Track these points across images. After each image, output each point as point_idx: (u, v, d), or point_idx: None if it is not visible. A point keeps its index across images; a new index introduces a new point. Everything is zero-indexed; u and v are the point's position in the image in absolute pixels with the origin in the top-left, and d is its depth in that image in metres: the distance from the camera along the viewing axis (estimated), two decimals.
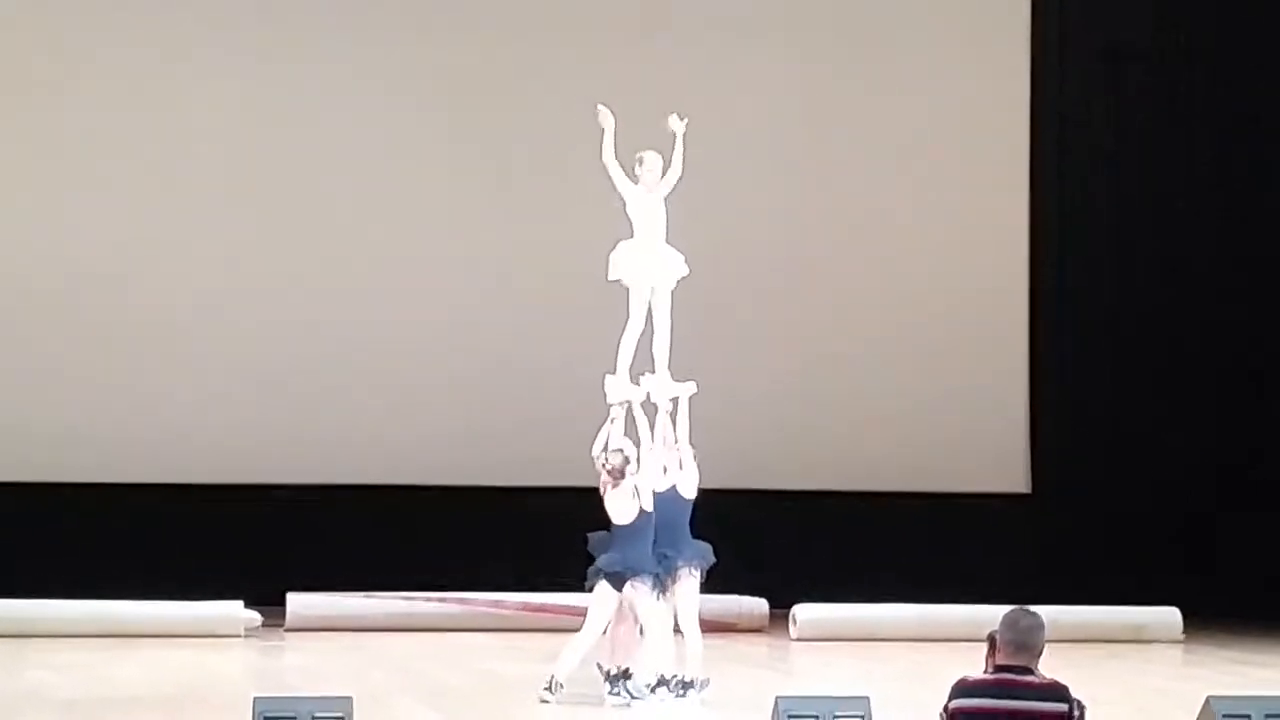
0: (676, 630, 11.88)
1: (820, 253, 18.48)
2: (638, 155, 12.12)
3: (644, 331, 12.14)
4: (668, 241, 12.17)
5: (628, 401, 11.92)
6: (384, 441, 17.76)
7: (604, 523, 11.86)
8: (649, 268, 12.09)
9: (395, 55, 18.06)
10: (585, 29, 18.27)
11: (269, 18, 17.94)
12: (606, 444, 11.80)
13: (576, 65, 18.02)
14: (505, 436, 17.81)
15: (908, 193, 18.65)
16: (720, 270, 17.69)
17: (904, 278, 18.59)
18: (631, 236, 12.16)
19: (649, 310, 12.11)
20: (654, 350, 12.15)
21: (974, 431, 18.60)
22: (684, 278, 12.22)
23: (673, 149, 12.17)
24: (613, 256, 12.14)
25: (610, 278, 12.18)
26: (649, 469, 11.76)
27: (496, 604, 16.45)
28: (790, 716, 8.18)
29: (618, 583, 11.57)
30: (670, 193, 12.14)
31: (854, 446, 18.35)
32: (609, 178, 12.07)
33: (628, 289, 12.14)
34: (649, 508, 11.64)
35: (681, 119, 12.23)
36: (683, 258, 12.19)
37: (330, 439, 17.76)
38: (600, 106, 12.17)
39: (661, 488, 11.80)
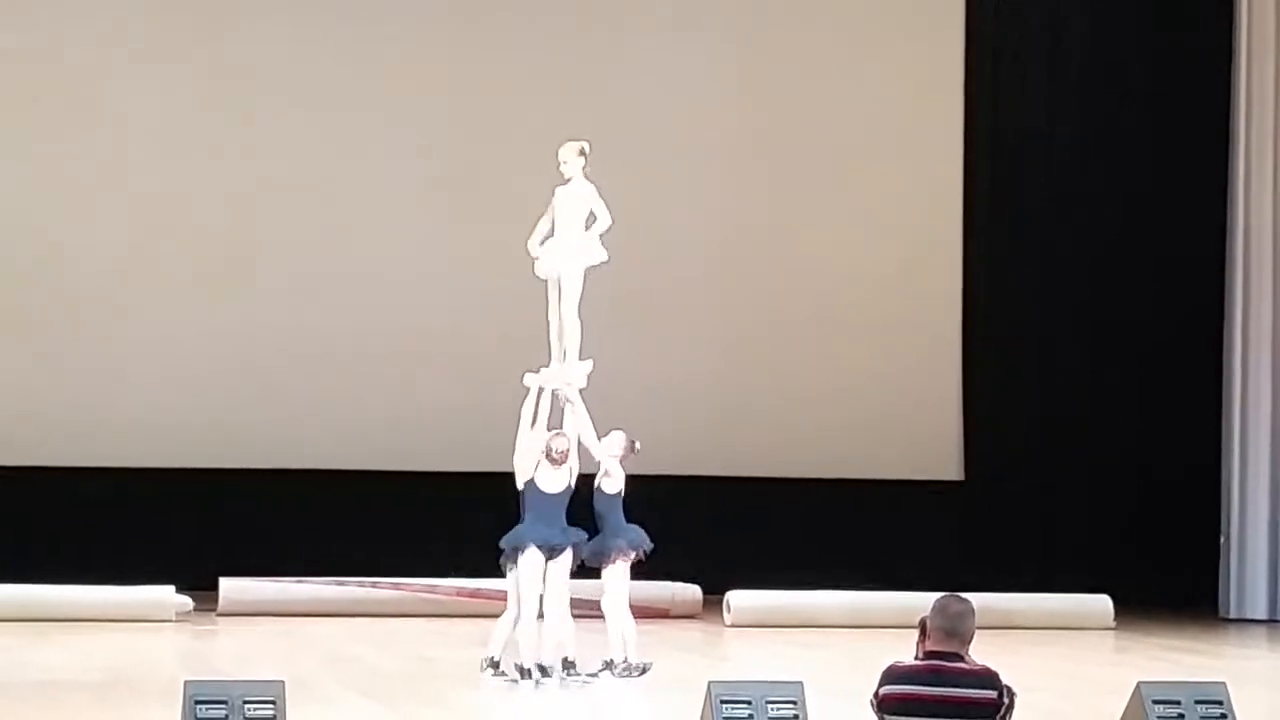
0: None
1: (753, 241, 18.50)
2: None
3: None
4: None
5: (540, 389, 12.20)
6: (317, 426, 17.70)
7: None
8: (557, 258, 12.25)
9: (340, 44, 17.98)
10: (527, 19, 18.22)
11: None
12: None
13: (516, 57, 18.01)
14: (440, 421, 17.78)
15: (840, 181, 18.68)
16: (655, 258, 17.72)
17: (837, 265, 18.62)
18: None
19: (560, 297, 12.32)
20: (564, 338, 12.24)
21: (908, 419, 18.66)
22: (602, 264, 12.32)
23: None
24: (539, 252, 12.35)
25: (537, 274, 12.45)
26: (528, 450, 11.94)
27: (430, 589, 16.43)
28: (723, 702, 8.18)
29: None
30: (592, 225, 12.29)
31: (788, 433, 18.37)
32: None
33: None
34: (517, 485, 11.98)
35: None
36: (597, 243, 12.28)
37: (263, 424, 17.68)
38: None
39: (547, 471, 11.95)
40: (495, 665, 11.91)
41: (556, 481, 11.90)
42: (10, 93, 17.47)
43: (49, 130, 17.50)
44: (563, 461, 11.91)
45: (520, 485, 12.03)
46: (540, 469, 11.88)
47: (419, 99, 18.02)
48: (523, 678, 11.77)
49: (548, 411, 12.18)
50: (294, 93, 17.83)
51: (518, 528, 11.91)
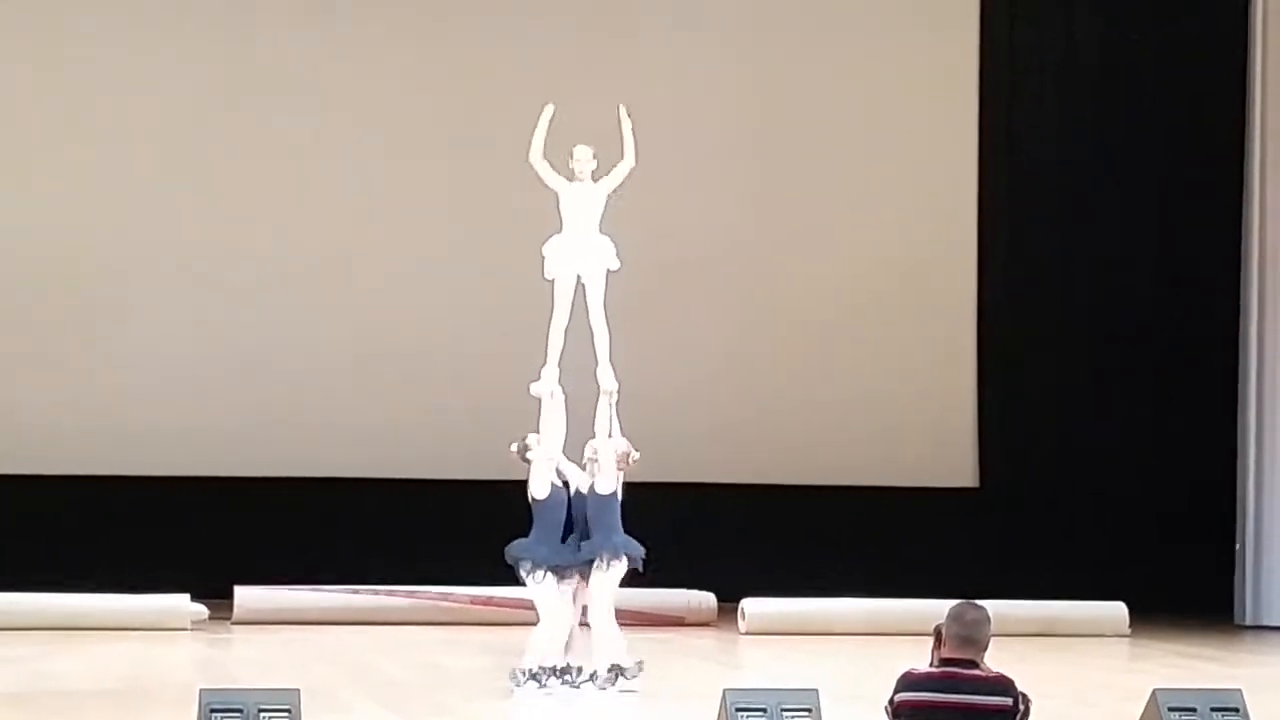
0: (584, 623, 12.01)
1: (766, 245, 18.47)
2: (570, 150, 12.30)
3: (573, 322, 12.24)
4: (603, 232, 12.29)
5: (552, 392, 12.10)
6: (332, 434, 17.69)
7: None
8: (574, 259, 12.21)
9: (340, 47, 17.98)
10: (528, 18, 18.20)
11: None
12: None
13: (520, 58, 17.97)
14: (454, 429, 17.76)
15: (854, 185, 18.66)
16: (666, 262, 17.70)
17: (851, 270, 18.59)
18: (560, 230, 12.32)
19: (584, 304, 12.24)
20: (594, 344, 12.22)
21: (923, 426, 18.64)
22: (616, 270, 12.28)
23: (621, 140, 12.27)
24: (544, 251, 12.29)
25: (546, 276, 12.33)
26: (539, 459, 11.90)
27: (444, 596, 16.43)
28: (739, 709, 8.18)
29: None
30: (619, 184, 12.25)
31: (803, 440, 18.36)
32: (537, 176, 12.19)
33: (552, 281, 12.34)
34: (539, 495, 11.90)
35: (627, 113, 12.34)
36: (613, 249, 12.27)
37: (279, 432, 17.68)
38: (547, 106, 12.29)
39: (574, 480, 11.93)
40: (562, 672, 11.80)
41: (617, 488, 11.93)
42: (9, 95, 17.48)
43: (48, 132, 17.48)
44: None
45: (541, 496, 11.95)
46: (619, 480, 11.85)
47: (419, 101, 17.99)
48: (583, 681, 11.72)
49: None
50: (295, 96, 17.80)
51: (610, 537, 11.73)
